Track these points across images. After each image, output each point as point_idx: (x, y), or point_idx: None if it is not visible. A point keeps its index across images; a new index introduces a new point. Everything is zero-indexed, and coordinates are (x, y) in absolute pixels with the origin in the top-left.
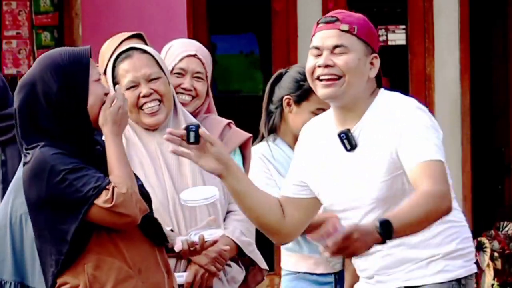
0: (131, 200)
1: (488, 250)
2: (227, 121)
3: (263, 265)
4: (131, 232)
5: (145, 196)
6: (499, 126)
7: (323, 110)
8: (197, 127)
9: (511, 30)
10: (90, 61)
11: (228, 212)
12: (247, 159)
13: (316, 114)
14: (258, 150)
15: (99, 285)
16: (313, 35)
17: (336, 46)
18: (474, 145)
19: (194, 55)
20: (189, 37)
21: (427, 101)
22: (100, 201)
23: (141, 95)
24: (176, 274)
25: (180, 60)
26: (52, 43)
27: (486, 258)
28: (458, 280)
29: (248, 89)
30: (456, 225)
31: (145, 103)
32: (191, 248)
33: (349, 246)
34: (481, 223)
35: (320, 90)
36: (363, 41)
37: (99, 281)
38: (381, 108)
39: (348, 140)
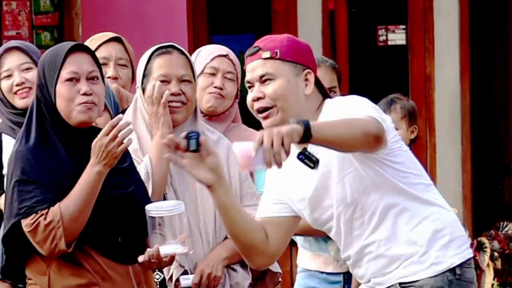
0: (48, 234)
1: (488, 250)
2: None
3: (276, 268)
4: (93, 245)
5: (132, 202)
6: (499, 126)
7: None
8: (198, 135)
9: (511, 30)
10: (68, 59)
11: None
12: None
13: None
14: None
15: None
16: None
17: (262, 76)
18: (474, 145)
19: (226, 55)
20: (189, 37)
21: (427, 101)
22: (25, 222)
23: (170, 92)
24: (182, 277)
25: (212, 59)
26: (52, 43)
27: (486, 258)
28: (452, 270)
29: None
30: (435, 212)
31: (170, 101)
32: (152, 260)
33: (272, 134)
34: (481, 223)
35: (263, 123)
36: (290, 62)
37: (61, 284)
38: (326, 117)
39: (308, 159)
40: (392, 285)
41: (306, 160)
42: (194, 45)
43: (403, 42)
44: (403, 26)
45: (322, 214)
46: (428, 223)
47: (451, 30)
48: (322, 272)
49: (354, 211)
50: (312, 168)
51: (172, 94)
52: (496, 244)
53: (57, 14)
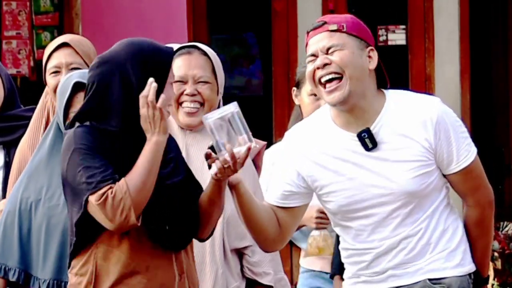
0: (117, 206)
1: None
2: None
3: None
4: (142, 231)
5: (184, 190)
6: (499, 126)
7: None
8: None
9: (511, 30)
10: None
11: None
12: (258, 168)
13: (314, 95)
14: (277, 146)
15: (105, 276)
16: (306, 45)
17: (329, 48)
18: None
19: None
20: (189, 37)
21: None
22: (93, 197)
23: (185, 93)
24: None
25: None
26: None
27: None
28: (469, 275)
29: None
30: (459, 220)
31: (185, 101)
32: (226, 165)
33: None
34: None
35: (327, 97)
36: (354, 36)
37: (106, 272)
38: (400, 106)
39: (370, 139)
40: (420, 281)
41: (367, 140)
42: None
43: (403, 42)
44: (403, 26)
45: (367, 201)
46: (458, 227)
47: (451, 30)
48: (327, 273)
49: (415, 205)
50: (368, 149)
51: (187, 95)
52: (496, 244)
53: (57, 14)
